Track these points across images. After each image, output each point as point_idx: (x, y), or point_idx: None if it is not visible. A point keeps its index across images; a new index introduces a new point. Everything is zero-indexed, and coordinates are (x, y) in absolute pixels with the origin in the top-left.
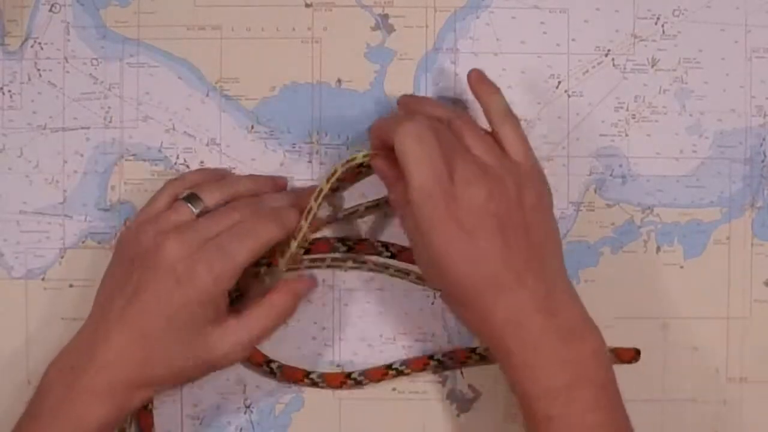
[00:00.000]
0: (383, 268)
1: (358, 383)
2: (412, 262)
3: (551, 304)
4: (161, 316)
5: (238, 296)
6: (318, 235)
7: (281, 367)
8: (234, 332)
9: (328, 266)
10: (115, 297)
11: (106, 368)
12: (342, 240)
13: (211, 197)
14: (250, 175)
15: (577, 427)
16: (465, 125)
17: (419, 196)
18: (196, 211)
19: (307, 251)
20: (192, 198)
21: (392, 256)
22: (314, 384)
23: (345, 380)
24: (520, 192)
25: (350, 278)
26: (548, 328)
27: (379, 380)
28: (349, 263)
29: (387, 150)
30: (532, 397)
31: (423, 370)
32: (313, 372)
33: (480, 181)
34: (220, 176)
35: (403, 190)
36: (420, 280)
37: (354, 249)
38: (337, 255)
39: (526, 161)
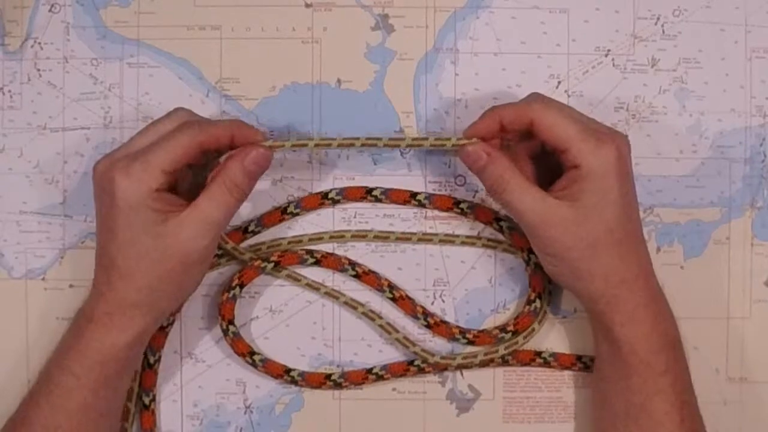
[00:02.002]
0: (358, 305)
1: (337, 385)
2: (372, 284)
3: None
4: (113, 238)
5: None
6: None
7: (264, 360)
8: (193, 213)
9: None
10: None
11: (98, 301)
12: (311, 252)
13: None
14: (232, 120)
15: (684, 378)
16: None
17: (602, 170)
18: None
19: (277, 264)
20: None
21: (357, 276)
22: (294, 382)
23: (324, 381)
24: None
25: (350, 279)
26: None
27: (359, 384)
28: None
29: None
30: (650, 349)
31: (403, 375)
32: (294, 369)
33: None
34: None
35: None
36: (366, 316)
37: (321, 263)
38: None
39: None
